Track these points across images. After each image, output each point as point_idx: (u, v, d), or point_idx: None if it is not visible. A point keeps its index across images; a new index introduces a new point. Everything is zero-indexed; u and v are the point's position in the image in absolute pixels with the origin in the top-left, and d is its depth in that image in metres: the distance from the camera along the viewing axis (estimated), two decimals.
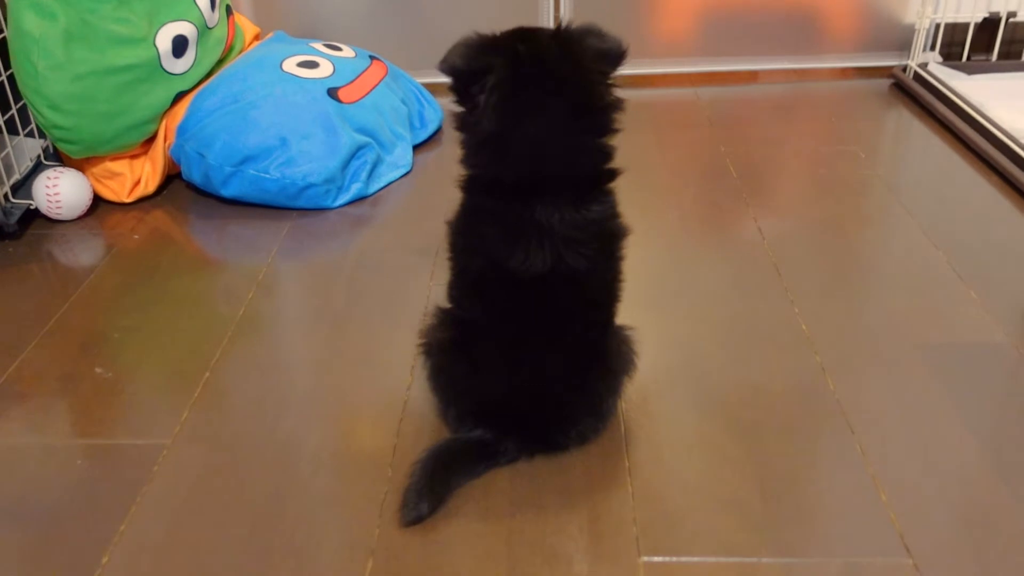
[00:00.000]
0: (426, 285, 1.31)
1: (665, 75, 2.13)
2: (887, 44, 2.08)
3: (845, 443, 0.99)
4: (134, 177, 1.57)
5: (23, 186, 1.54)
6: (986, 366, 1.11)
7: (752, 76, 2.13)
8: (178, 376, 1.14)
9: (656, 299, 1.25)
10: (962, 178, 1.59)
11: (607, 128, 0.89)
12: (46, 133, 1.49)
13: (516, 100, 0.85)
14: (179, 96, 1.57)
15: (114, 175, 1.56)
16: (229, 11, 1.71)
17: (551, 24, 2.04)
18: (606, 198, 0.91)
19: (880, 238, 1.42)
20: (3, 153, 1.52)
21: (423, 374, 1.01)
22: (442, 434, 1.01)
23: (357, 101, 1.62)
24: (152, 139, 1.58)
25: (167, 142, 1.57)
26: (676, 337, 1.17)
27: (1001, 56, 2.01)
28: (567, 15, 2.08)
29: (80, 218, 1.54)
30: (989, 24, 2.00)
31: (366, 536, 0.89)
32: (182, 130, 1.54)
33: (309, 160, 1.50)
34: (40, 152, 1.59)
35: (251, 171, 1.50)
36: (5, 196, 1.50)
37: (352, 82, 1.65)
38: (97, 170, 1.56)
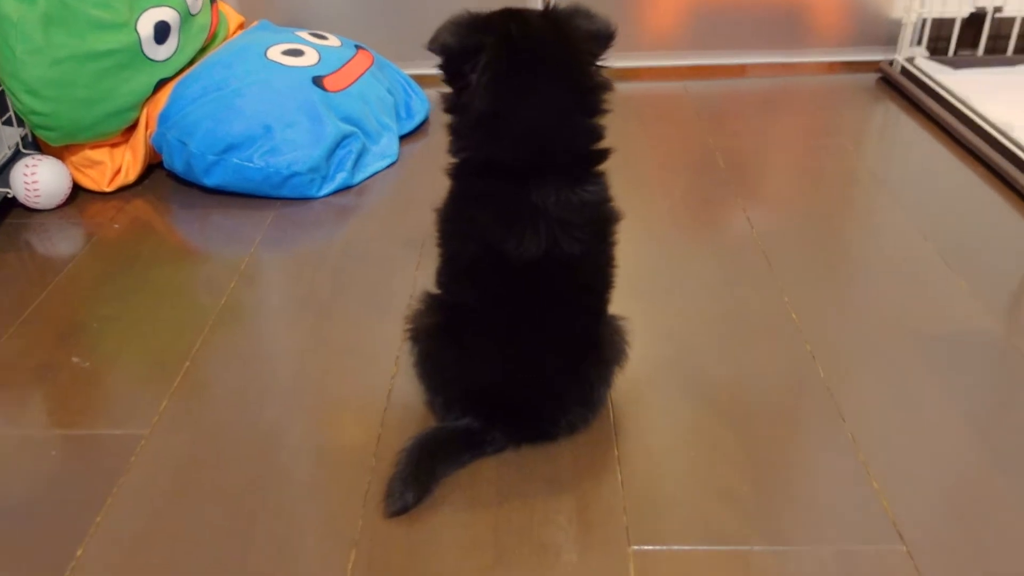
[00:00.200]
0: (412, 275, 1.29)
1: (653, 68, 2.11)
2: (874, 39, 2.08)
3: (836, 431, 0.98)
4: (114, 166, 1.54)
5: (1, 174, 1.51)
6: (975, 353, 1.10)
7: (740, 70, 2.12)
8: (158, 366, 1.12)
9: (645, 289, 1.24)
10: (949, 170, 1.59)
11: (597, 108, 0.88)
12: (24, 120, 1.46)
13: (509, 79, 0.83)
14: (161, 83, 1.54)
15: (94, 164, 1.53)
16: None
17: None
18: (599, 180, 0.90)
19: (869, 229, 1.41)
20: None
21: (409, 361, 1.00)
22: (428, 424, 0.99)
23: (343, 90, 1.60)
24: (133, 127, 1.55)
25: (148, 130, 1.54)
26: (665, 326, 1.16)
27: (987, 51, 2.01)
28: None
29: (59, 207, 1.51)
30: (975, 19, 2.00)
31: (349, 527, 0.87)
32: (164, 118, 1.51)
33: (294, 148, 1.48)
34: (19, 140, 1.56)
35: (234, 160, 1.47)
36: None
37: (338, 71, 1.63)
38: (77, 158, 1.53)
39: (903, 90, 1.91)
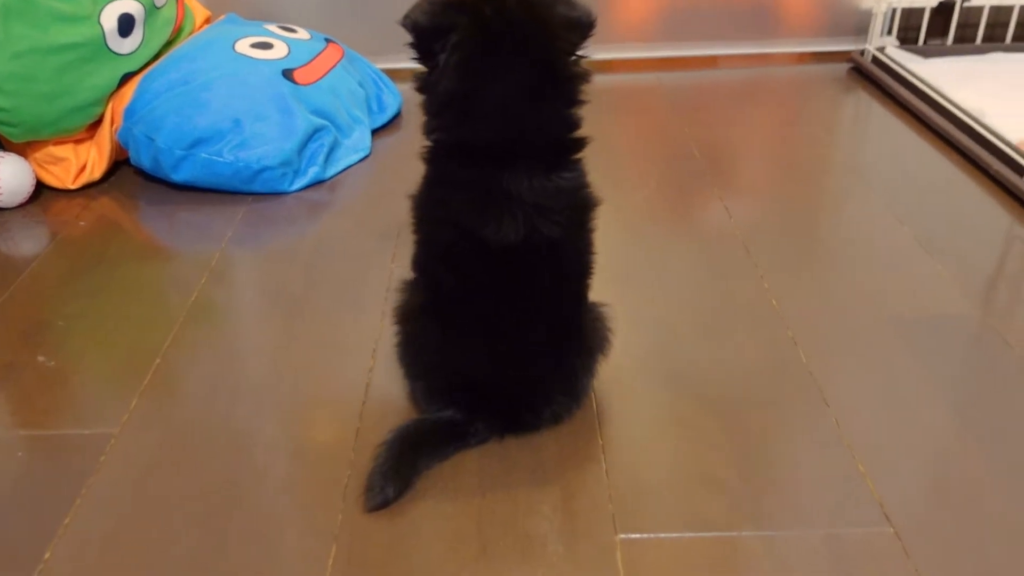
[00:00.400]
0: (387, 268, 1.27)
1: (625, 60, 2.11)
2: (845, 29, 2.08)
3: (820, 415, 0.97)
4: (79, 162, 1.51)
5: None
6: (954, 336, 1.10)
7: (712, 61, 2.12)
8: (127, 363, 1.08)
9: (624, 278, 1.22)
10: (922, 156, 1.59)
11: (573, 99, 0.86)
12: None
13: (479, 60, 0.82)
14: (126, 78, 1.50)
15: (58, 160, 1.49)
16: None
17: None
18: (576, 166, 0.89)
19: (846, 215, 1.41)
20: None
21: (390, 347, 0.98)
22: (408, 417, 0.97)
23: (313, 83, 1.57)
24: (98, 123, 1.51)
25: (114, 125, 1.50)
26: (646, 315, 1.15)
27: (956, 40, 2.02)
28: None
29: (22, 205, 1.47)
30: (944, 8, 2.01)
31: (328, 522, 0.85)
32: (130, 113, 1.48)
33: (264, 142, 1.45)
34: None
35: (203, 154, 1.44)
36: None
37: (308, 64, 1.60)
38: (40, 155, 1.49)
39: (875, 79, 1.91)
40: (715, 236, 1.33)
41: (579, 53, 0.85)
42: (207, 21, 1.78)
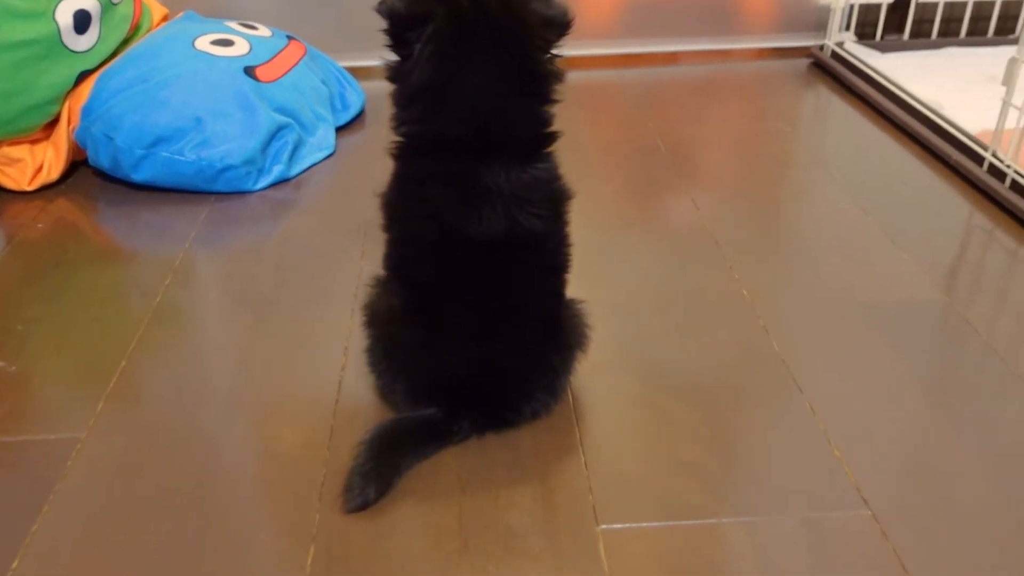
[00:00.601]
0: (357, 265, 1.26)
1: (586, 57, 2.11)
2: (804, 25, 2.11)
3: (794, 402, 0.98)
4: (35, 163, 1.47)
5: None
6: (921, 320, 1.12)
7: (672, 57, 2.13)
8: (91, 367, 1.06)
9: (596, 271, 1.22)
10: (883, 148, 1.62)
11: (546, 97, 0.85)
12: None
13: (453, 52, 0.81)
14: (83, 76, 1.47)
15: (13, 161, 1.45)
16: None
17: None
18: (548, 158, 0.88)
19: (812, 207, 1.43)
20: None
21: (361, 349, 0.96)
22: (382, 414, 0.96)
23: (276, 80, 1.55)
24: (54, 122, 1.48)
25: (71, 125, 1.47)
26: (619, 308, 1.15)
27: (912, 35, 2.06)
28: None
29: None
30: (900, 4, 2.04)
31: (306, 522, 0.84)
32: (87, 111, 1.44)
33: (227, 140, 1.43)
34: None
35: (164, 153, 1.41)
36: None
37: (270, 61, 1.58)
38: None
39: (834, 74, 1.94)
40: (684, 229, 1.34)
41: (554, 52, 0.84)
42: (164, 19, 1.74)
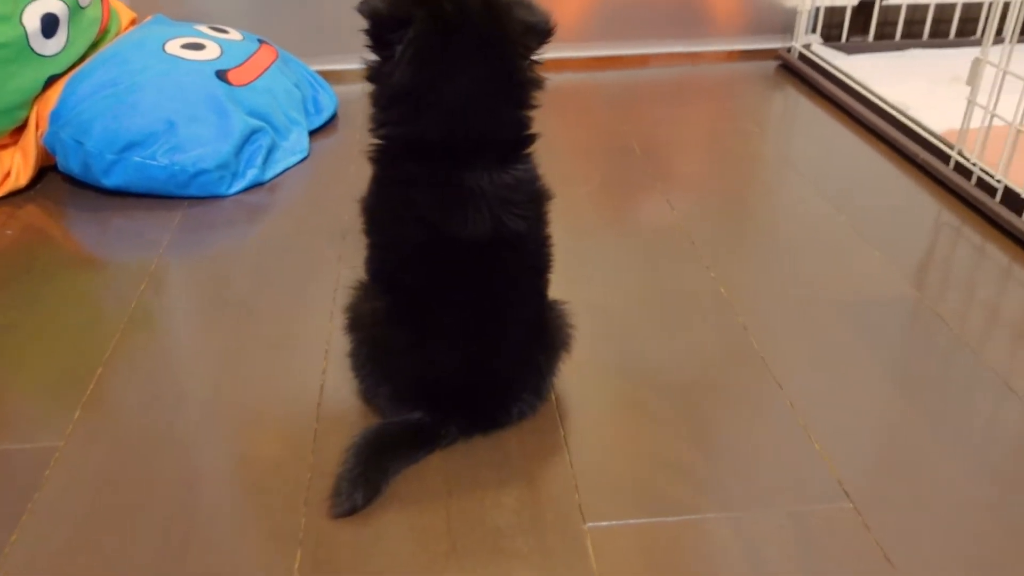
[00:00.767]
0: (335, 268, 1.25)
1: (557, 60, 2.12)
2: (771, 28, 2.14)
3: (774, 398, 0.99)
4: (3, 169, 1.44)
5: None
6: (894, 315, 1.14)
7: (643, 60, 2.15)
8: (67, 374, 1.04)
9: (574, 272, 1.23)
10: (851, 148, 1.64)
11: (525, 103, 0.86)
12: None
13: (433, 57, 0.81)
14: (51, 80, 1.45)
15: None
16: None
17: None
18: (527, 160, 0.89)
19: (784, 206, 1.45)
20: None
21: (345, 353, 0.96)
22: (366, 417, 0.96)
23: (248, 84, 1.54)
24: (22, 127, 1.45)
25: (39, 130, 1.45)
26: (598, 307, 1.16)
27: (876, 37, 2.10)
28: None
29: None
30: (864, 7, 2.08)
31: (292, 526, 0.83)
32: (56, 116, 1.42)
33: (200, 144, 1.41)
34: None
35: (136, 158, 1.39)
36: None
37: (242, 64, 1.57)
38: None
39: (802, 75, 1.97)
40: (660, 229, 1.35)
41: (534, 58, 0.85)
42: (132, 23, 1.72)
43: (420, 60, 0.80)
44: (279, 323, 1.13)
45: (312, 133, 1.68)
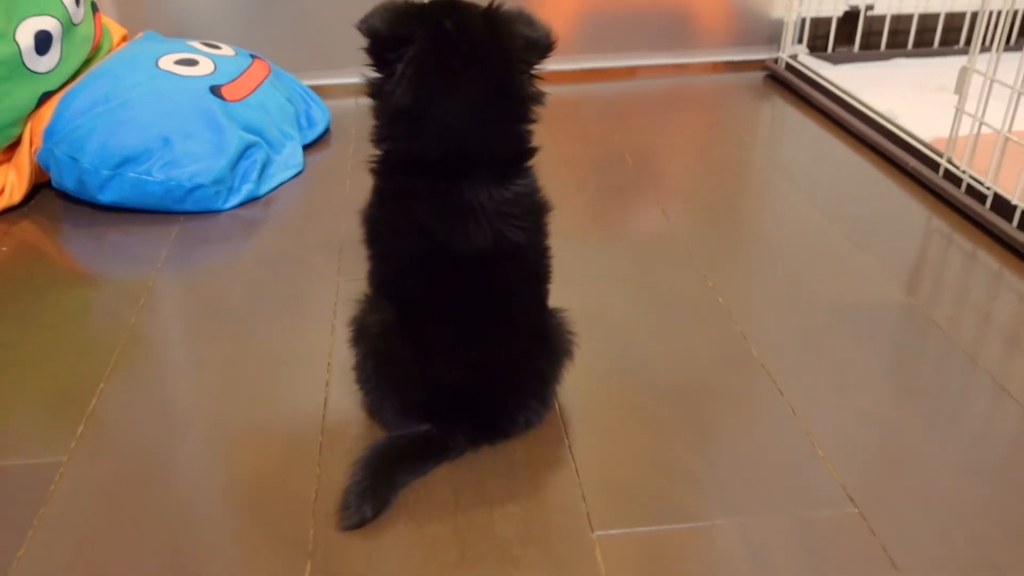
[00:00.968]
0: (334, 281, 1.25)
1: (548, 72, 2.13)
2: (757, 39, 2.16)
3: (776, 404, 1.00)
4: None
5: None
6: (889, 321, 1.15)
7: (631, 72, 2.17)
8: (68, 390, 1.04)
9: (574, 281, 1.23)
10: (840, 156, 1.67)
11: (525, 118, 0.86)
12: None
13: (434, 76, 0.81)
14: (45, 97, 1.45)
15: None
16: (95, 8, 1.60)
17: None
18: (528, 173, 0.90)
19: (777, 214, 1.46)
20: None
21: (345, 360, 0.96)
22: (371, 429, 0.96)
23: (242, 99, 1.54)
24: (16, 144, 1.45)
25: (33, 147, 1.44)
26: (597, 317, 1.16)
27: (862, 47, 2.13)
28: None
29: None
30: (850, 17, 2.11)
31: (301, 537, 0.83)
32: (50, 133, 1.42)
33: (195, 160, 1.41)
34: None
35: (131, 174, 1.39)
36: None
37: (235, 80, 1.57)
38: None
39: (789, 85, 1.99)
40: (656, 238, 1.36)
41: (535, 73, 0.86)
42: (124, 39, 1.73)
43: (421, 79, 0.81)
44: (280, 336, 1.13)
45: (305, 147, 1.68)
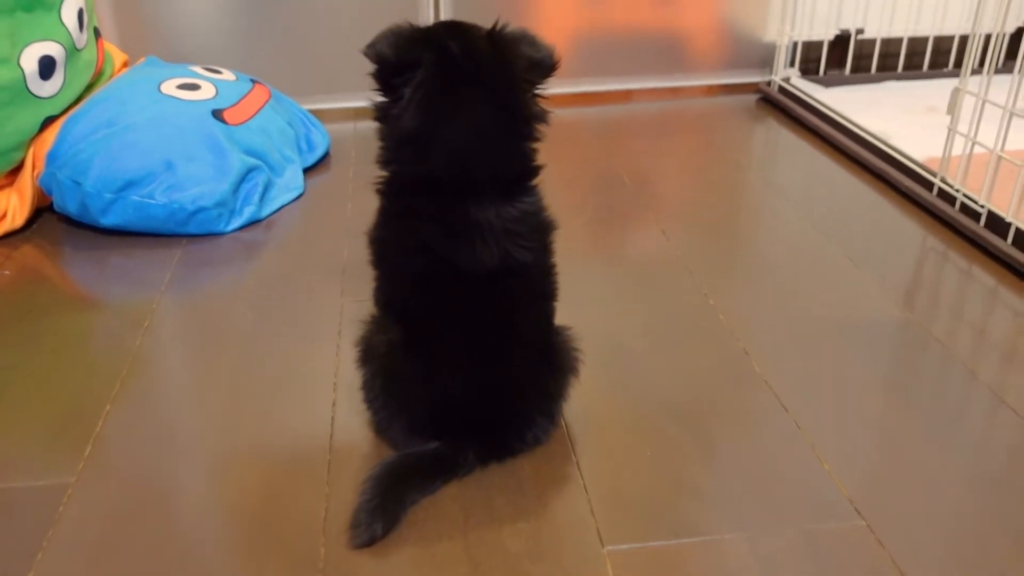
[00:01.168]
0: (338, 302, 1.26)
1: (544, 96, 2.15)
2: (750, 62, 2.20)
3: (781, 420, 1.01)
4: None
5: None
6: (888, 337, 1.17)
7: (626, 95, 2.19)
8: (75, 412, 1.04)
9: (576, 300, 1.24)
10: (835, 176, 1.69)
11: (530, 137, 0.88)
12: None
13: (440, 99, 0.82)
14: (47, 121, 1.45)
15: None
16: (97, 33, 1.61)
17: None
18: (533, 192, 0.91)
19: (775, 233, 1.48)
20: None
21: (351, 379, 0.96)
22: (379, 447, 0.96)
23: (244, 123, 1.56)
24: (18, 168, 1.46)
25: (35, 171, 1.45)
26: (600, 335, 1.17)
27: (853, 70, 2.16)
28: None
29: None
30: (840, 41, 2.15)
31: (311, 555, 0.83)
32: (53, 157, 1.43)
33: (198, 183, 1.42)
34: None
35: (134, 197, 1.40)
36: None
37: (237, 104, 1.58)
38: None
39: (783, 107, 2.02)
40: (657, 258, 1.38)
41: (539, 93, 0.87)
42: (125, 65, 1.74)
43: (428, 104, 0.82)
44: (285, 357, 1.14)
45: (306, 171, 1.69)
